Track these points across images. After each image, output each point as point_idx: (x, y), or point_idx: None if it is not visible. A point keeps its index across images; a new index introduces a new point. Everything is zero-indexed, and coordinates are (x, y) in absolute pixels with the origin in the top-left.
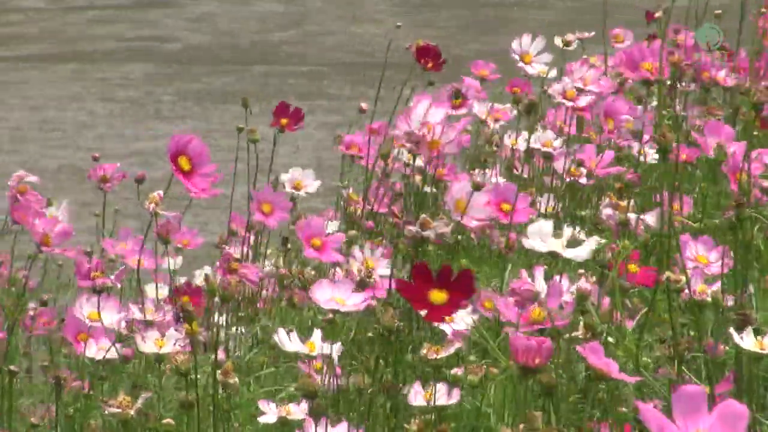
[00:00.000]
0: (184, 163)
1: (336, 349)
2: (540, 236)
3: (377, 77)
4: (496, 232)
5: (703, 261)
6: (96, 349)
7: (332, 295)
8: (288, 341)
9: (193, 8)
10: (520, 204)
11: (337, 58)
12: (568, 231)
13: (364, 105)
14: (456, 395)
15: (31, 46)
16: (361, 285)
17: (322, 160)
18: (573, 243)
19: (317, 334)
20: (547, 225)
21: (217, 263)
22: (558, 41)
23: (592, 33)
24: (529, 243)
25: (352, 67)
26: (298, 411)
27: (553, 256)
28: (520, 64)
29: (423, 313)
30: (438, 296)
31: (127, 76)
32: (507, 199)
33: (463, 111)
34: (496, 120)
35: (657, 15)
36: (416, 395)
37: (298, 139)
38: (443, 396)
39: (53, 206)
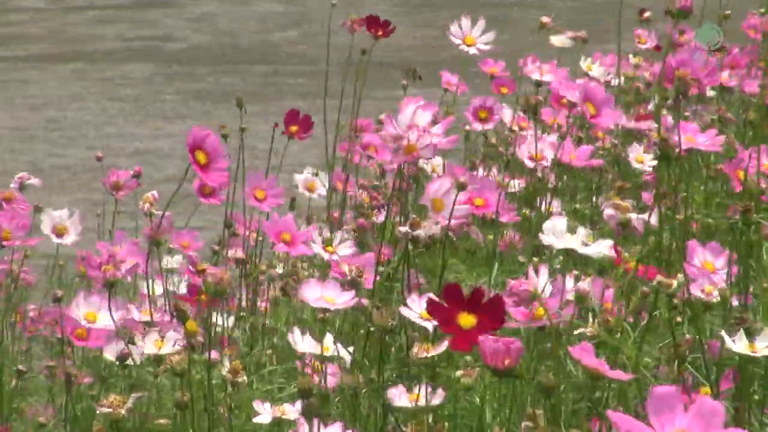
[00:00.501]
0: (200, 157)
1: (346, 351)
2: (554, 233)
3: (378, 77)
4: (474, 228)
5: (709, 268)
6: (113, 351)
7: (321, 294)
8: (300, 341)
9: (193, 8)
10: (492, 197)
11: (338, 57)
12: (582, 230)
13: (383, 117)
14: (441, 396)
15: (31, 46)
16: (352, 284)
17: (325, 158)
18: (584, 242)
19: (329, 336)
20: (561, 222)
21: (186, 267)
22: (554, 41)
23: (583, 31)
24: (546, 240)
25: (352, 67)
26: (293, 411)
27: (569, 253)
28: (462, 46)
29: (449, 338)
30: (467, 320)
31: (127, 75)
32: (480, 194)
33: (489, 126)
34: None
35: (646, 15)
36: (400, 396)
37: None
38: (428, 396)
39: (60, 212)
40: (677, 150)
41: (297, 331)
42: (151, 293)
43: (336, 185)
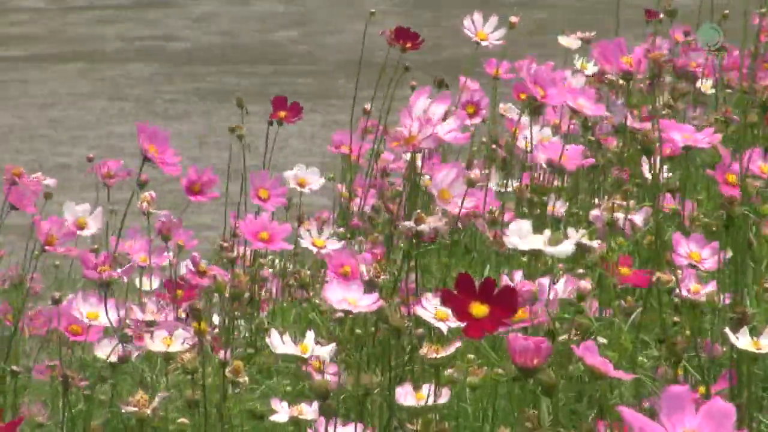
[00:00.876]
0: (153, 150)
1: (329, 351)
2: (520, 235)
3: (380, 76)
4: (481, 221)
5: (696, 257)
6: (105, 350)
7: (344, 296)
8: (280, 344)
9: (194, 8)
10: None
11: (339, 57)
12: (548, 232)
13: (367, 106)
14: (446, 395)
15: (32, 46)
16: (371, 285)
17: (327, 157)
18: (555, 242)
19: (310, 335)
20: (527, 224)
21: (187, 267)
22: (562, 40)
23: (594, 33)
24: (510, 242)
25: (354, 66)
26: (310, 411)
27: (535, 254)
28: (475, 39)
29: (462, 326)
30: (479, 309)
31: (129, 75)
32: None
33: (477, 120)
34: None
35: (661, 16)
36: (406, 395)
37: (305, 137)
38: (432, 396)
39: (83, 206)
40: (658, 144)
41: (275, 333)
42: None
43: (356, 191)
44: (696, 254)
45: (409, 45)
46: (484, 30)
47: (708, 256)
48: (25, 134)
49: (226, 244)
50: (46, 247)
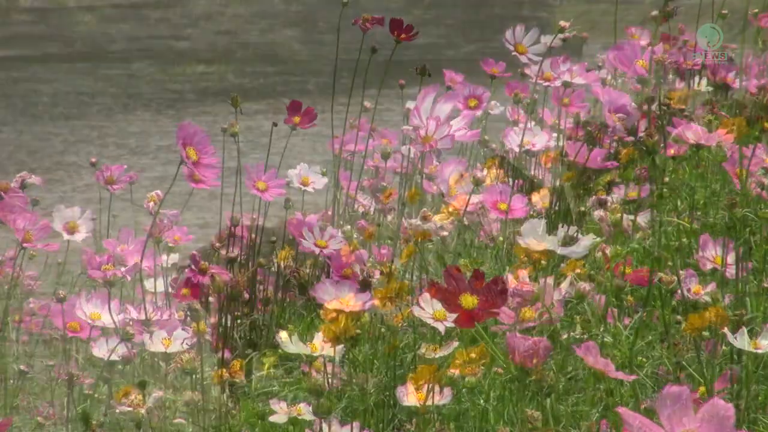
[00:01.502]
0: (191, 153)
1: (339, 351)
2: (534, 235)
3: (383, 75)
4: (488, 218)
5: (719, 262)
6: (105, 349)
7: (336, 295)
8: (290, 343)
9: (199, 7)
10: (517, 203)
11: (342, 56)
12: (561, 231)
13: (368, 104)
14: (448, 395)
15: (39, 46)
16: (364, 285)
17: (331, 156)
18: (567, 242)
19: (319, 335)
20: (540, 224)
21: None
22: (547, 40)
23: (584, 33)
24: (524, 241)
25: (357, 65)
26: (308, 411)
27: (549, 254)
28: (514, 53)
29: (453, 317)
30: (468, 300)
31: (135, 74)
32: (503, 199)
33: (479, 112)
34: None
35: (653, 14)
36: (407, 395)
37: (309, 136)
38: (435, 396)
39: (72, 210)
40: (663, 145)
41: (283, 333)
42: (153, 290)
43: (341, 184)
44: (720, 258)
45: (403, 36)
46: (524, 43)
47: (732, 263)
48: (35, 134)
49: (219, 244)
50: (24, 244)
